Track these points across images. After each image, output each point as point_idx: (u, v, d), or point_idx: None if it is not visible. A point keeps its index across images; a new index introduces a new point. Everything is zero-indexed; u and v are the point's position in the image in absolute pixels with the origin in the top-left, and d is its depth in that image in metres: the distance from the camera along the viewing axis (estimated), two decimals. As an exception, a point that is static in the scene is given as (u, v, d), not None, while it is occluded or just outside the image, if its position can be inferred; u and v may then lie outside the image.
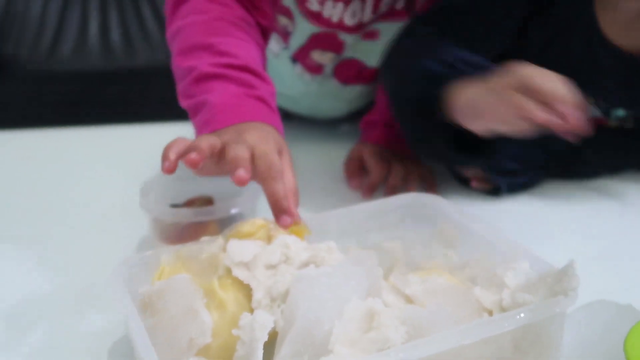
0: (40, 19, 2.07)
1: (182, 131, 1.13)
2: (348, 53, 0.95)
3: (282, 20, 0.92)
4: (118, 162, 1.01)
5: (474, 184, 0.88)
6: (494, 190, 0.88)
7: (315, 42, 0.94)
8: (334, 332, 0.49)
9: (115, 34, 2.08)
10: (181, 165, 0.77)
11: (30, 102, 1.95)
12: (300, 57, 0.96)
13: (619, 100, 0.86)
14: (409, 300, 0.56)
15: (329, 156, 0.99)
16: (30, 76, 2.00)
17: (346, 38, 0.92)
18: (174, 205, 0.75)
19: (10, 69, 1.98)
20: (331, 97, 1.03)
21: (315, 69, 0.97)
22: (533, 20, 0.83)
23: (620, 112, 0.88)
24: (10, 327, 0.64)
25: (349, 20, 0.89)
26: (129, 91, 2.00)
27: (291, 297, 0.51)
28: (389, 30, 0.93)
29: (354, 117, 1.07)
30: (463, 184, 0.90)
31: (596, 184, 0.92)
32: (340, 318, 0.50)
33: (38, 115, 1.83)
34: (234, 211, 0.72)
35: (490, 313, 0.56)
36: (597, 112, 0.88)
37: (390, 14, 0.91)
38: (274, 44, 0.96)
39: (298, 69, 0.98)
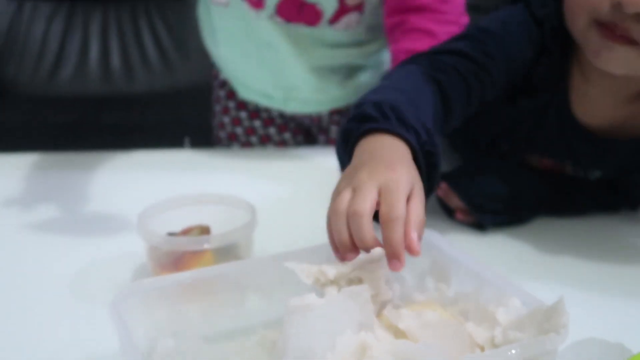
0: (41, 43, 2.09)
1: (180, 158, 1.14)
2: None
3: None
4: (116, 188, 1.01)
5: (459, 216, 0.89)
6: (479, 224, 0.89)
7: None
8: (327, 365, 0.49)
9: (115, 60, 2.10)
10: (178, 194, 0.78)
11: (30, 126, 1.96)
12: None
13: (593, 166, 0.92)
14: (401, 334, 0.57)
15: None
16: (30, 100, 2.01)
17: None
18: (171, 234, 0.75)
19: (10, 93, 1.99)
20: (284, 47, 1.08)
21: (257, 3, 1.04)
22: (538, 63, 0.86)
23: (598, 173, 0.93)
24: (3, 350, 0.64)
25: None
26: (128, 117, 2.01)
27: (284, 328, 0.52)
28: None
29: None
30: (449, 215, 0.91)
31: (586, 221, 0.93)
32: (333, 350, 0.50)
33: (37, 139, 1.84)
34: (230, 241, 0.73)
35: (482, 349, 0.57)
36: (578, 173, 0.94)
37: None
38: None
39: (244, 6, 1.05)
